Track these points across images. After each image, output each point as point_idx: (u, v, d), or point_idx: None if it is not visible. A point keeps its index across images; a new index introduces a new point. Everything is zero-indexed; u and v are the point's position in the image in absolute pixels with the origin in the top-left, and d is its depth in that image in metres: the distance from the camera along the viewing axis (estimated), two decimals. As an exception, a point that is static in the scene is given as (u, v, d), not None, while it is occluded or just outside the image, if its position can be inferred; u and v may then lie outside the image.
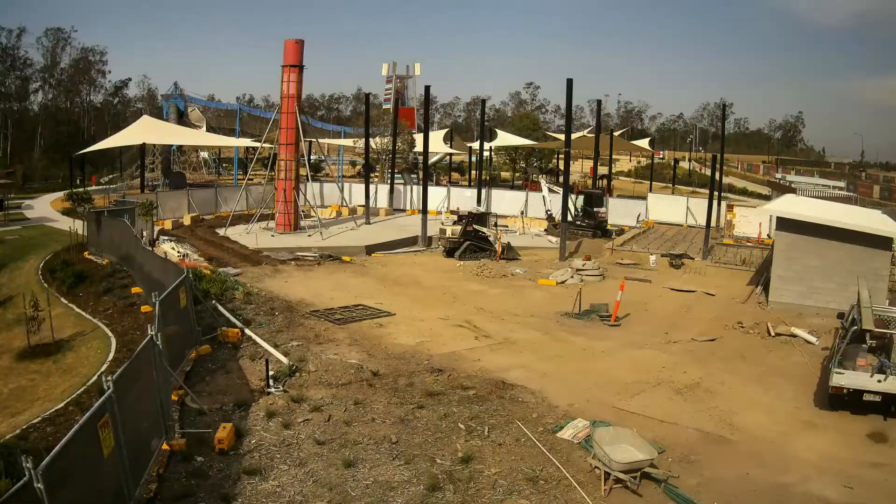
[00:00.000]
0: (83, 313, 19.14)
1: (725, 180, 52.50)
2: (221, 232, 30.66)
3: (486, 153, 49.63)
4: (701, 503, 9.26)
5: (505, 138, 62.70)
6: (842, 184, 70.93)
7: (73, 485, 6.86)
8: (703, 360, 15.48)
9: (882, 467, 10.71)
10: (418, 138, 46.83)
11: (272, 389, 12.80)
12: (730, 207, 33.42)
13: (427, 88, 35.16)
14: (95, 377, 13.82)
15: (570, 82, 27.78)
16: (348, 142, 62.21)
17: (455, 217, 29.87)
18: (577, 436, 11.02)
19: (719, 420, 12.22)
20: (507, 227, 32.94)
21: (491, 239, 27.61)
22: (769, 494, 9.72)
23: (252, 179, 41.27)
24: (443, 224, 29.67)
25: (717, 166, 34.61)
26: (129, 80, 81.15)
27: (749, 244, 30.99)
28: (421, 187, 33.73)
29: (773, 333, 17.34)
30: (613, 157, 51.88)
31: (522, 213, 36.83)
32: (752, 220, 32.65)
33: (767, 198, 53.94)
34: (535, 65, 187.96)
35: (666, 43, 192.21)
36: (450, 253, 27.49)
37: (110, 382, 8.13)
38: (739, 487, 9.86)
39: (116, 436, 7.93)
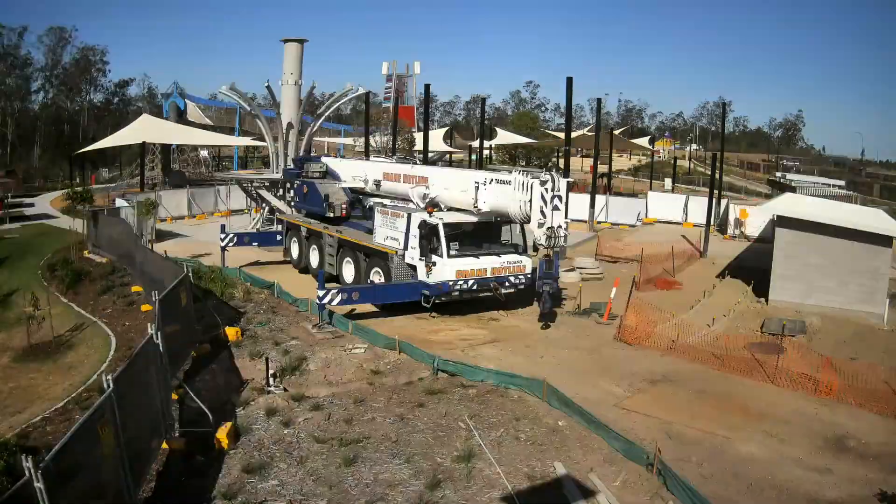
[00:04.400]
0: (83, 312, 19.16)
1: (725, 178, 52.53)
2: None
3: (485, 152, 49.66)
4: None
5: (504, 137, 62.78)
6: (842, 182, 70.88)
7: (73, 484, 6.86)
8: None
9: None
10: (418, 137, 46.86)
11: (272, 388, 12.80)
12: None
13: (427, 87, 35.21)
14: (95, 376, 13.84)
15: (569, 81, 27.82)
16: (348, 140, 62.27)
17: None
18: None
19: (719, 420, 12.23)
20: None
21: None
22: (769, 489, 9.74)
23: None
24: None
25: (718, 165, 34.61)
26: (133, 79, 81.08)
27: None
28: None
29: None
30: (613, 155, 51.88)
31: None
32: (753, 221, 32.63)
33: (768, 196, 53.92)
34: (535, 64, 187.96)
35: (665, 42, 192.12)
36: None
37: (110, 381, 8.14)
38: (738, 486, 9.88)
39: (116, 435, 7.93)
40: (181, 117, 51.70)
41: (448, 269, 16.87)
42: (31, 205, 40.14)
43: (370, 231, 19.64)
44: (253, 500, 9.11)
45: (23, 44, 66.25)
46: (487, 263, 17.49)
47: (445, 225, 17.12)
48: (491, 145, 58.55)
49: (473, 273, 17.24)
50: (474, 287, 17.37)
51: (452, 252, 17.04)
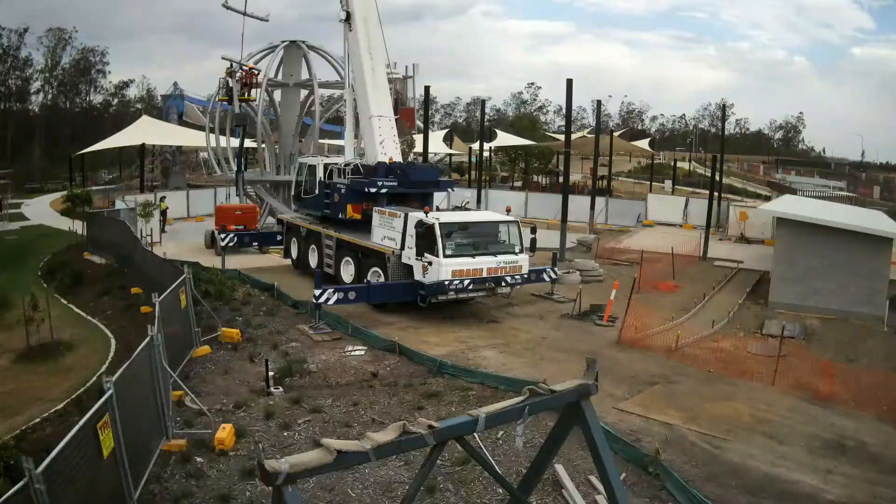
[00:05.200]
0: (82, 314, 19.15)
1: (725, 181, 52.57)
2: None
3: (485, 154, 49.68)
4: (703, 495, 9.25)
5: (504, 139, 62.82)
6: (842, 184, 70.92)
7: (72, 486, 6.84)
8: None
9: None
10: (418, 139, 46.84)
11: (272, 390, 12.79)
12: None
13: (427, 89, 35.19)
14: (95, 378, 13.81)
15: (570, 83, 27.76)
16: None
17: None
18: None
19: (719, 422, 12.22)
20: None
21: None
22: (769, 491, 9.73)
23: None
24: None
25: (718, 167, 34.62)
26: (132, 80, 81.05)
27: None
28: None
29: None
30: (613, 157, 51.93)
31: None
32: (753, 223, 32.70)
33: (768, 198, 53.96)
34: (536, 65, 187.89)
35: (665, 42, 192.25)
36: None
37: (110, 383, 8.12)
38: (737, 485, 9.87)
39: (116, 436, 7.92)
40: (180, 119, 51.71)
41: (444, 268, 16.88)
42: (30, 206, 40.09)
43: (370, 231, 19.69)
44: (253, 502, 9.10)
45: (23, 45, 66.36)
46: (483, 263, 17.51)
47: (442, 224, 17.13)
48: (491, 147, 58.56)
49: (469, 273, 17.25)
50: (470, 287, 17.39)
51: (448, 252, 17.05)
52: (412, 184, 20.29)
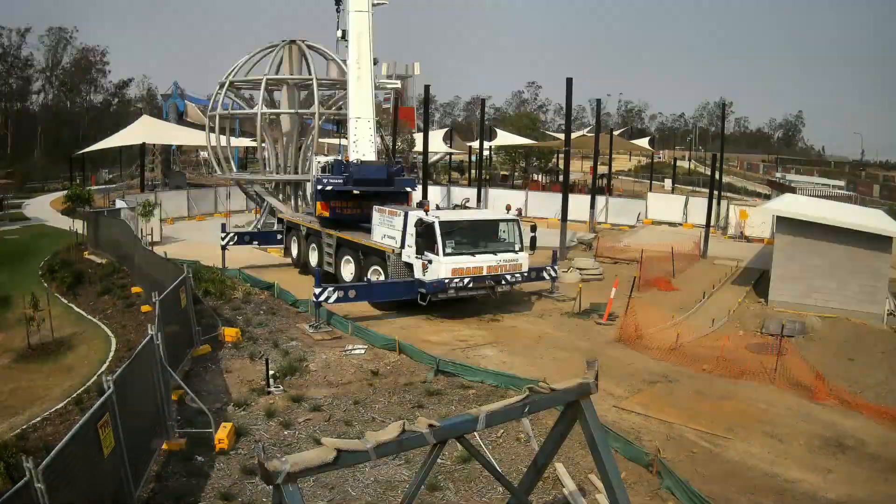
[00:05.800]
0: (83, 313, 19.18)
1: (725, 179, 52.58)
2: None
3: (485, 152, 49.65)
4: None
5: (504, 138, 62.76)
6: (841, 183, 70.86)
7: (73, 485, 6.85)
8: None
9: None
10: (418, 138, 46.82)
11: (272, 389, 12.81)
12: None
13: (427, 88, 35.13)
14: (95, 377, 13.84)
15: (569, 82, 27.73)
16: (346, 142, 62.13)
17: None
18: None
19: (718, 420, 12.22)
20: None
21: None
22: (768, 490, 9.74)
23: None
24: None
25: (717, 165, 34.60)
26: (132, 79, 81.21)
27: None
28: (421, 187, 33.67)
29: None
30: (613, 155, 51.89)
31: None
32: (753, 222, 32.73)
33: (768, 197, 53.94)
34: (536, 64, 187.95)
35: (665, 42, 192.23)
36: None
37: (110, 382, 8.14)
38: (739, 484, 9.87)
39: (116, 436, 7.93)
40: (181, 118, 51.73)
41: (444, 267, 16.89)
42: (31, 206, 40.10)
43: (369, 230, 19.71)
44: (253, 501, 9.11)
45: (24, 45, 66.35)
46: (483, 261, 17.52)
47: (442, 223, 17.14)
48: (491, 146, 58.54)
49: (469, 271, 17.26)
50: (470, 285, 17.39)
51: (448, 250, 17.06)
52: (357, 181, 20.48)
